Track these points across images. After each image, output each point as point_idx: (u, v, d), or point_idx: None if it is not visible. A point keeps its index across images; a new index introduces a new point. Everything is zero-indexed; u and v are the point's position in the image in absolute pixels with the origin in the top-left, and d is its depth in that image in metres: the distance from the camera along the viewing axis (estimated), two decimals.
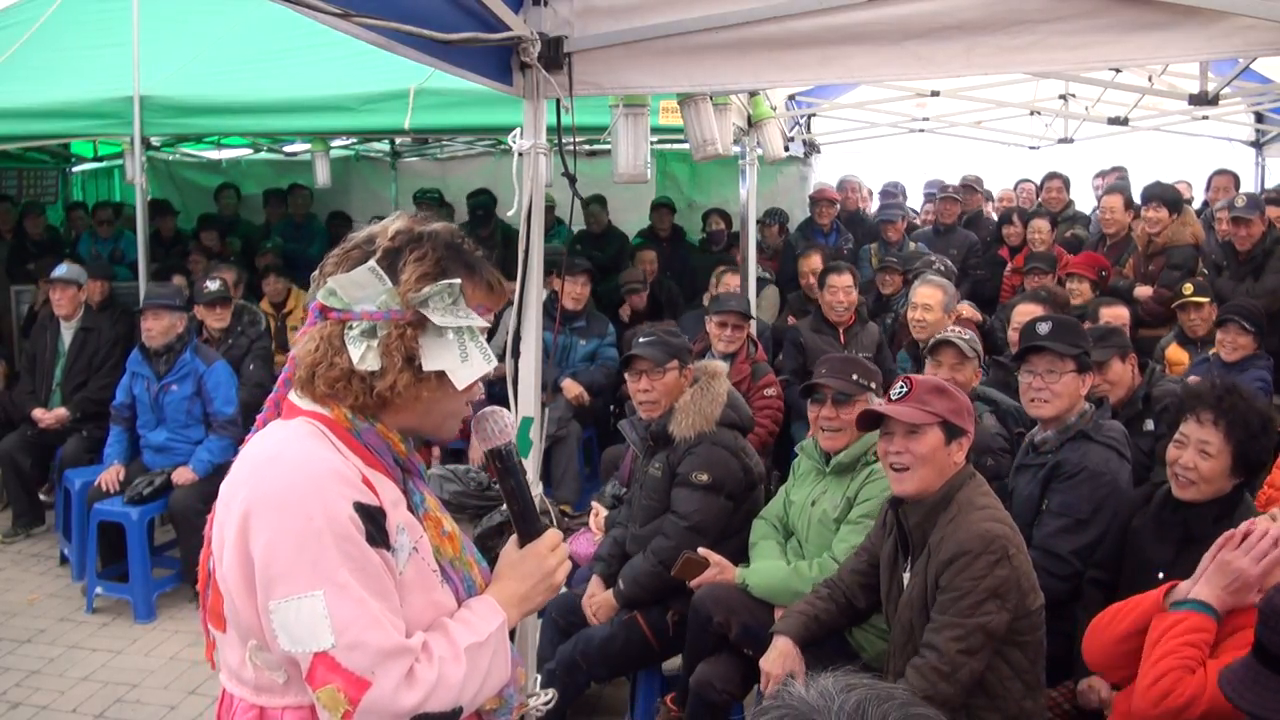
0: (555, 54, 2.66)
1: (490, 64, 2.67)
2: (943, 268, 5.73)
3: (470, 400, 1.59)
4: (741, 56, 2.61)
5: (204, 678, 4.25)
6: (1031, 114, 7.80)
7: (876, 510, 3.11)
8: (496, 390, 3.44)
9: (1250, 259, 5.65)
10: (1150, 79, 6.01)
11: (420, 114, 5.26)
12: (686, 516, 3.47)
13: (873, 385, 3.33)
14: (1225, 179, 7.41)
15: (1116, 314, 4.93)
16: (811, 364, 4.50)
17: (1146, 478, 3.44)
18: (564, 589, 3.39)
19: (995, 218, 8.25)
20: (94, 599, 4.97)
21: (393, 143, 9.55)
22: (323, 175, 6.92)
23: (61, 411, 5.80)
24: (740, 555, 3.45)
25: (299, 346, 1.53)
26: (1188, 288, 5.22)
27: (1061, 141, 8.22)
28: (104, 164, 9.81)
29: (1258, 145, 8.36)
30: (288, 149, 9.43)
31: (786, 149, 6.51)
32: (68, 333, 6.00)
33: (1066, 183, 7.95)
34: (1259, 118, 7.79)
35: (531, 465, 2.79)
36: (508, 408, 2.01)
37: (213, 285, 5.71)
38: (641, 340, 3.70)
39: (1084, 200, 8.28)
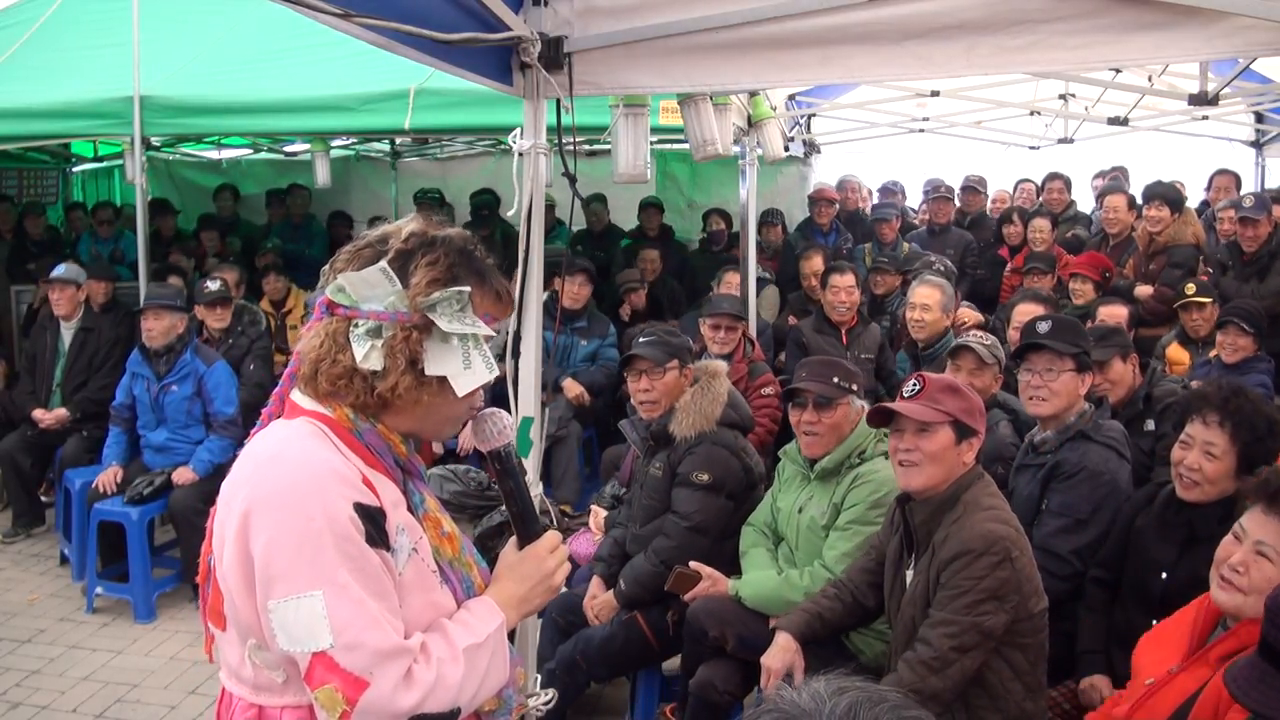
0: (555, 54, 2.66)
1: (490, 64, 2.67)
2: (942, 268, 5.73)
3: (471, 406, 1.59)
4: (741, 56, 2.60)
5: (204, 678, 4.25)
6: (1031, 114, 7.80)
7: (864, 516, 3.11)
8: (498, 390, 3.43)
9: (1255, 260, 5.63)
10: (1150, 79, 6.01)
11: (420, 114, 5.26)
12: (687, 516, 3.47)
13: (854, 387, 3.29)
14: (1226, 179, 7.40)
15: (1114, 313, 4.92)
16: None
17: (1147, 478, 3.44)
18: (564, 589, 3.41)
19: (995, 218, 8.25)
20: (94, 599, 4.97)
21: (393, 143, 9.54)
22: (323, 175, 6.91)
23: (61, 412, 5.80)
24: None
25: (304, 341, 1.53)
26: (1190, 288, 5.18)
27: (1061, 141, 8.21)
28: (104, 164, 9.82)
29: (1258, 145, 8.35)
30: (288, 149, 9.43)
31: (786, 149, 6.51)
32: (68, 333, 6.00)
33: (1068, 183, 7.94)
34: (1259, 118, 7.78)
35: (531, 465, 2.79)
36: (508, 408, 2.01)
37: (213, 285, 5.71)
38: (642, 340, 3.70)
39: (1084, 200, 8.28)
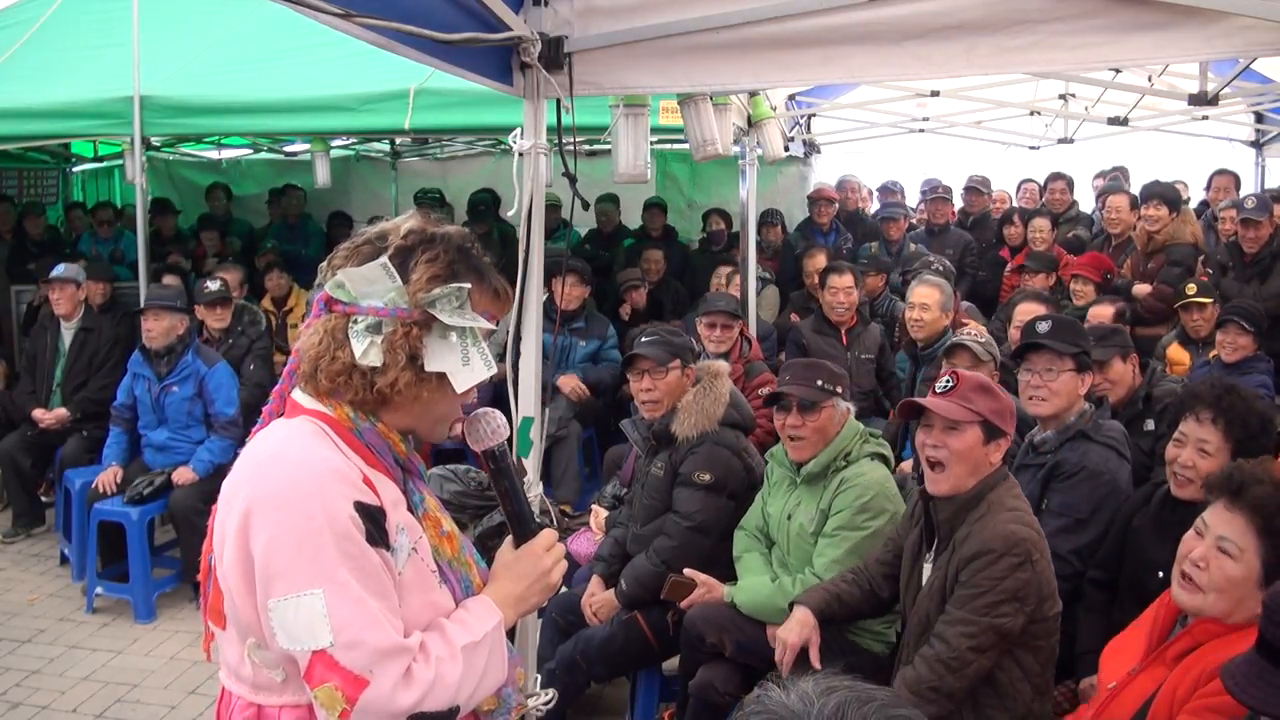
0: (555, 54, 2.66)
1: (490, 64, 2.67)
2: (941, 267, 5.73)
3: (464, 404, 1.60)
4: (741, 56, 2.61)
5: (204, 678, 4.25)
6: (1031, 114, 7.79)
7: (851, 521, 3.11)
8: (499, 390, 3.43)
9: (1257, 261, 5.63)
10: (1150, 79, 6.00)
11: (420, 114, 5.26)
12: (689, 516, 3.47)
13: (839, 390, 3.27)
14: (1226, 179, 7.40)
15: (1099, 313, 4.91)
16: None
17: (1147, 478, 3.44)
18: (564, 589, 3.41)
19: (996, 218, 8.25)
20: (94, 599, 4.97)
21: (393, 143, 9.54)
22: (322, 175, 6.92)
23: (62, 412, 5.80)
24: None
25: (303, 339, 1.54)
26: (1191, 288, 5.16)
27: (1061, 141, 8.21)
28: (104, 164, 9.82)
29: (1258, 145, 8.34)
30: (288, 149, 9.42)
31: (786, 149, 6.51)
32: (68, 333, 6.00)
33: (1070, 183, 7.93)
34: (1259, 118, 7.77)
35: (532, 465, 2.79)
36: (508, 409, 2.01)
37: (213, 285, 5.71)
38: (644, 340, 3.70)
39: (1084, 200, 8.28)
